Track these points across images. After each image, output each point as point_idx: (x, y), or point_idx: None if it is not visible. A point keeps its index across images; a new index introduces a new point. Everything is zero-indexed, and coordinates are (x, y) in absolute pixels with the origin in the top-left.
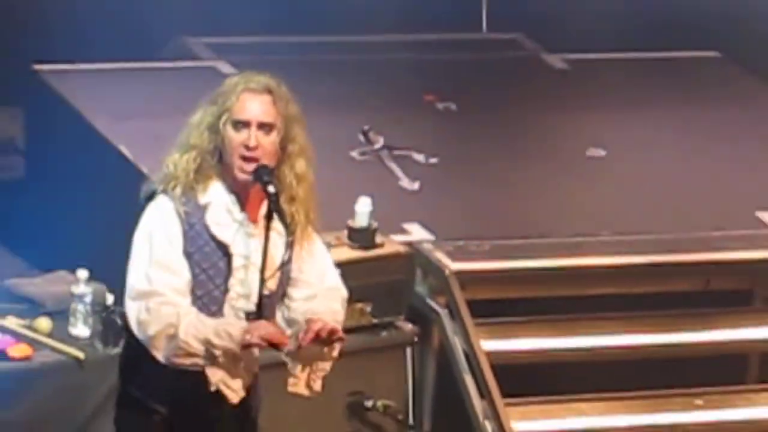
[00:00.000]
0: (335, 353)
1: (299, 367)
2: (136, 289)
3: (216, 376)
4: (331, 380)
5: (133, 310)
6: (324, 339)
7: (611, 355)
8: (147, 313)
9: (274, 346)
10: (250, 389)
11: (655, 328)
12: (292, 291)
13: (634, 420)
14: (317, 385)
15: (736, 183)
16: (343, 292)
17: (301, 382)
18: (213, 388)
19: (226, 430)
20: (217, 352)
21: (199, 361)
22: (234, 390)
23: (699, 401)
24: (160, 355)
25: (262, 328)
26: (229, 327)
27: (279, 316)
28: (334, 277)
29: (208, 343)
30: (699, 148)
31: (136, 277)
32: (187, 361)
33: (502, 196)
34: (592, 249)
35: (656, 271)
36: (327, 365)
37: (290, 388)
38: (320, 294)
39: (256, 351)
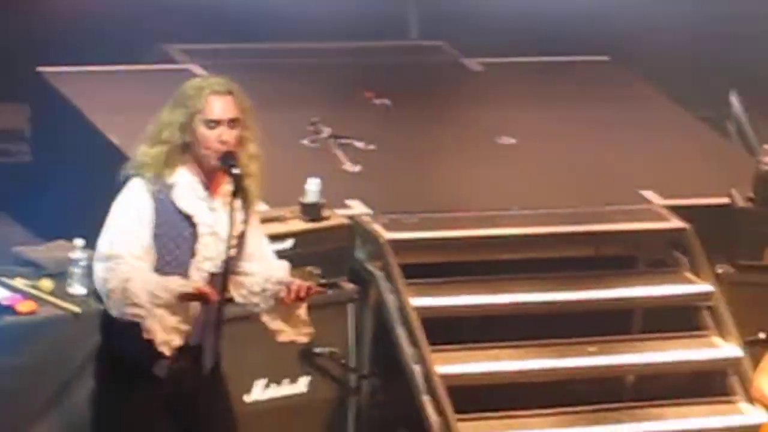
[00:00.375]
0: (304, 305)
1: (280, 321)
2: (101, 252)
3: (153, 329)
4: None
5: (98, 269)
6: (303, 297)
7: (520, 310)
8: (106, 272)
9: (203, 297)
10: (216, 342)
11: (556, 287)
12: (249, 266)
13: (538, 364)
14: (303, 333)
15: (622, 166)
16: (287, 265)
17: (289, 331)
18: (146, 336)
19: (193, 378)
20: (159, 302)
21: (142, 312)
22: (165, 342)
23: (592, 348)
24: (114, 308)
25: (194, 282)
26: (169, 282)
27: (237, 296)
28: (273, 254)
29: (152, 296)
30: (592, 138)
31: (102, 242)
32: (134, 310)
33: (428, 176)
34: (504, 221)
35: (557, 240)
36: (304, 312)
37: (281, 339)
38: (274, 266)
39: (192, 306)
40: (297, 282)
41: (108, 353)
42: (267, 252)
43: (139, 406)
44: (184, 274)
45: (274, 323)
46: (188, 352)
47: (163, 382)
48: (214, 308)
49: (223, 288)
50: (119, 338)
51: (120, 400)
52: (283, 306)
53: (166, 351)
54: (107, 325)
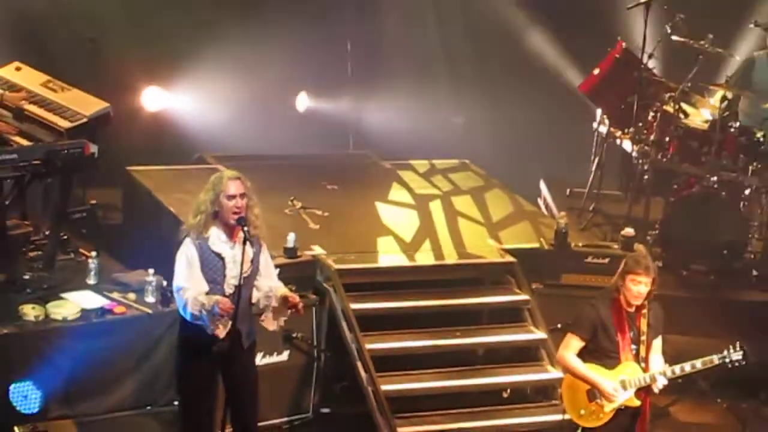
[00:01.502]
0: (289, 312)
1: (271, 316)
2: (175, 289)
3: (213, 325)
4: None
5: (176, 298)
6: (293, 306)
7: (416, 310)
8: (180, 298)
9: (226, 311)
10: (248, 330)
11: (438, 297)
12: (261, 280)
13: (426, 342)
14: (280, 323)
15: (476, 226)
16: (282, 284)
17: (270, 322)
18: (209, 330)
19: (232, 351)
20: (205, 312)
21: (201, 317)
22: (219, 331)
23: (458, 333)
24: (188, 316)
25: (222, 301)
26: (205, 300)
27: (255, 294)
28: (275, 275)
29: (202, 306)
30: (460, 212)
31: (174, 283)
32: (197, 318)
33: (360, 231)
34: (408, 257)
35: (439, 269)
36: (286, 316)
37: (263, 323)
38: (276, 283)
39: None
40: (296, 298)
41: (181, 336)
42: (272, 272)
43: (198, 368)
44: (221, 289)
45: (267, 317)
46: (229, 335)
47: (213, 354)
48: (240, 307)
49: (239, 294)
50: (187, 330)
51: (187, 364)
52: (281, 308)
53: (219, 334)
54: (181, 323)
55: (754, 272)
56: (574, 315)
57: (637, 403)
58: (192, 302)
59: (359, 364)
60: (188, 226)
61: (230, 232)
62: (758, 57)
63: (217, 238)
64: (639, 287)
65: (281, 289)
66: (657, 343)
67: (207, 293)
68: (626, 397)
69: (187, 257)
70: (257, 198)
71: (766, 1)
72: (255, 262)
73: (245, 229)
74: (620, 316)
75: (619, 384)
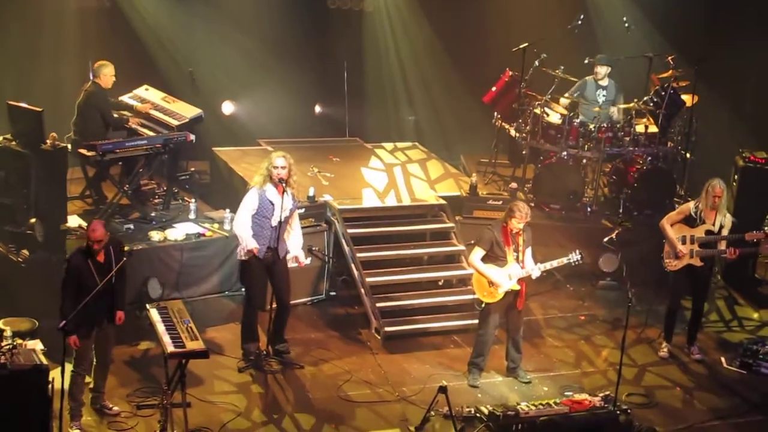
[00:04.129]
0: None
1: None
2: (236, 218)
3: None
4: (305, 242)
5: (235, 220)
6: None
7: (386, 232)
8: (234, 225)
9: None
10: (283, 247)
11: (400, 224)
12: (290, 231)
13: (392, 252)
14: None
15: (422, 182)
16: (301, 242)
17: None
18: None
19: (273, 258)
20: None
21: (243, 242)
22: (241, 254)
23: (411, 245)
24: (236, 231)
25: (256, 250)
26: (251, 244)
27: (286, 236)
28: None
29: (247, 247)
30: (411, 172)
31: (237, 215)
32: (238, 237)
33: (352, 185)
34: (381, 200)
35: (403, 208)
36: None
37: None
38: (293, 246)
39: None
40: (301, 260)
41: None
42: (296, 226)
43: (255, 267)
44: (270, 227)
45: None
46: (272, 249)
47: (263, 259)
48: (279, 233)
49: (280, 226)
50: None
51: (247, 265)
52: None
53: (240, 256)
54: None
55: (589, 209)
56: (480, 235)
57: (518, 287)
58: (248, 239)
59: (353, 265)
60: (254, 182)
61: (277, 187)
62: (588, 80)
63: (270, 191)
64: (519, 224)
65: (293, 252)
66: (529, 252)
67: (257, 224)
68: (511, 284)
69: (250, 200)
70: (296, 169)
71: (596, 43)
72: (292, 210)
73: (284, 185)
74: (507, 235)
75: (507, 276)
